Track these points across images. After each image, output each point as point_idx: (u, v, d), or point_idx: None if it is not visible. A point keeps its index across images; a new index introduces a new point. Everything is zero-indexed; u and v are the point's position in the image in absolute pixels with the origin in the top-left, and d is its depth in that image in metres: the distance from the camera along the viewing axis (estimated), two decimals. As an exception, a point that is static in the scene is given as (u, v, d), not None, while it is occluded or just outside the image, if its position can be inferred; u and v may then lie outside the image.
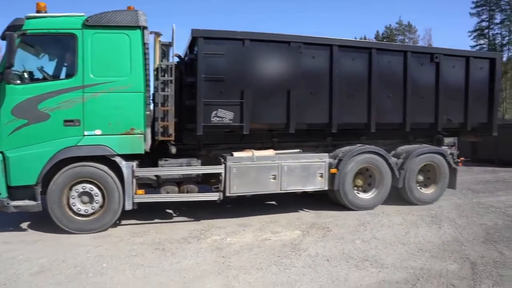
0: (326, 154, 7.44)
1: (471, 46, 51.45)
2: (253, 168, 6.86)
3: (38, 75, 6.26)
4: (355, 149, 7.50)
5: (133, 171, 6.33)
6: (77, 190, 6.15)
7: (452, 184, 8.33)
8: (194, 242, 5.92)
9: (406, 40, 55.86)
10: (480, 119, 8.58)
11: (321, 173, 7.23)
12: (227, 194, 6.77)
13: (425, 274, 4.70)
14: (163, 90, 6.51)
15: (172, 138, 6.59)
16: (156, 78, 6.63)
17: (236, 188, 6.78)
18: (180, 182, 6.76)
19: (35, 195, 6.02)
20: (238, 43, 6.70)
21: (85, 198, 6.21)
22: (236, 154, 6.91)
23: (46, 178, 6.10)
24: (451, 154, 8.45)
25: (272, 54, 6.99)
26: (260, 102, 6.91)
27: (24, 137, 5.93)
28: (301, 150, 7.59)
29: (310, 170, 7.17)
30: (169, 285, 4.47)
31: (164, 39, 6.94)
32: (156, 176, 6.70)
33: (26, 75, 6.08)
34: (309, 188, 7.25)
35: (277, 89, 6.98)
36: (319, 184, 7.24)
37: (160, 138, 6.54)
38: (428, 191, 8.22)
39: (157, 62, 6.71)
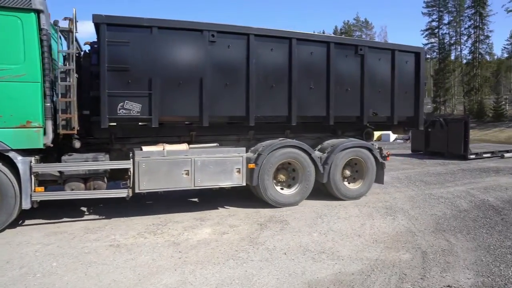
0: (243, 148, 7.29)
1: (423, 44, 55.87)
2: (164, 163, 6.65)
3: None
4: (275, 143, 7.39)
5: (31, 167, 6.00)
6: None
7: (379, 179, 8.38)
8: (150, 237, 5.88)
9: (363, 36, 57.85)
10: (407, 113, 8.67)
11: (238, 168, 7.08)
12: (137, 191, 6.54)
13: (379, 265, 4.83)
14: (64, 80, 6.21)
15: (75, 132, 6.31)
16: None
17: (146, 184, 6.56)
18: (87, 179, 6.46)
19: None
20: (145, 31, 6.44)
21: (-28, 198, 5.84)
22: (145, 148, 6.68)
23: None
24: (379, 148, 8.47)
25: (183, 43, 6.80)
26: (170, 93, 6.69)
27: None
28: (218, 144, 7.42)
29: (226, 165, 7.01)
30: (123, 282, 4.37)
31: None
32: (60, 172, 6.39)
33: None
34: (226, 184, 7.09)
35: (189, 80, 6.78)
36: (236, 179, 7.10)
37: (62, 131, 6.26)
38: (355, 186, 8.21)
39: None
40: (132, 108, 6.46)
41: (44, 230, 6.19)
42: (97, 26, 6.29)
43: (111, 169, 6.73)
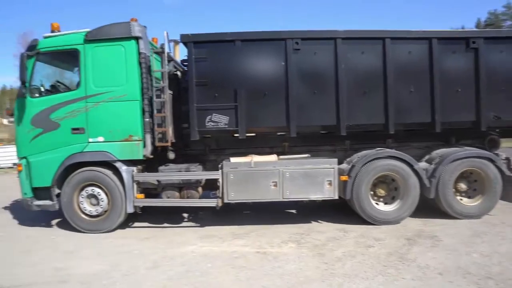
0: (335, 159, 6.91)
1: None
2: (251, 175, 6.74)
3: (51, 88, 7.12)
4: (370, 154, 6.85)
5: (133, 176, 6.79)
6: (86, 192, 6.84)
7: (509, 196, 7.01)
8: (295, 246, 6.04)
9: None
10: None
11: (330, 181, 6.73)
12: (225, 201, 6.78)
13: None
14: (159, 97, 6.82)
15: (169, 144, 6.86)
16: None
17: (234, 195, 6.76)
18: (181, 188, 6.98)
19: (51, 196, 6.85)
20: (229, 45, 6.68)
21: (93, 200, 6.87)
22: (233, 159, 6.89)
23: (62, 180, 6.88)
24: (507, 159, 7.10)
25: (265, 53, 6.84)
26: (256, 104, 6.77)
27: (41, 144, 6.85)
28: (309, 155, 7.19)
29: (316, 177, 6.74)
30: None
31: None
32: (158, 181, 7.01)
33: (42, 88, 6.97)
34: (316, 196, 6.82)
35: (274, 90, 6.77)
36: (327, 192, 6.76)
37: (157, 144, 6.87)
38: (473, 202, 7.05)
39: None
40: (219, 120, 6.75)
41: (197, 232, 6.84)
42: (185, 45, 6.76)
43: (206, 179, 7.11)
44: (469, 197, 7.15)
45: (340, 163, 7.10)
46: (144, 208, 7.07)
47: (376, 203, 7.03)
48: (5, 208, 9.41)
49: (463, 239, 5.94)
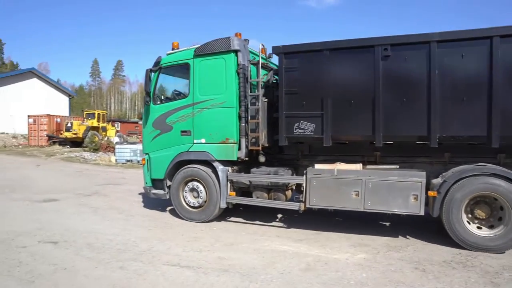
0: (423, 172, 6.47)
1: None
2: (334, 182, 6.87)
3: (169, 96, 8.51)
4: (466, 169, 6.21)
5: (227, 175, 7.64)
6: (189, 186, 8.01)
7: None
8: (460, 268, 5.53)
9: None
10: None
11: (416, 195, 6.35)
12: (307, 206, 7.07)
13: None
14: (253, 104, 7.48)
15: (259, 148, 7.46)
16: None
17: (315, 200, 6.99)
18: (270, 189, 7.56)
19: (164, 187, 8.19)
20: (316, 55, 6.93)
21: (195, 194, 7.97)
22: (318, 166, 7.12)
23: (173, 174, 8.19)
24: None
25: (352, 62, 6.84)
26: (342, 113, 6.85)
27: (159, 143, 8.30)
28: (398, 167, 6.87)
29: (401, 190, 6.45)
30: None
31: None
32: (250, 181, 7.67)
33: (162, 97, 8.38)
34: (399, 210, 6.51)
35: (359, 98, 6.73)
36: (412, 207, 6.39)
37: (250, 147, 7.54)
38: None
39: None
40: (306, 127, 7.08)
41: (350, 240, 6.92)
42: (277, 55, 7.27)
43: (296, 184, 7.51)
44: None
45: (436, 177, 6.62)
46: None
47: (478, 227, 6.26)
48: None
49: None
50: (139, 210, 9.23)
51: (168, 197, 8.26)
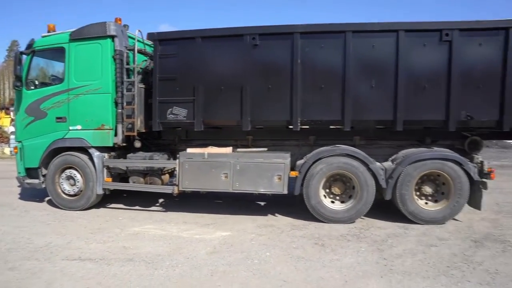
0: (287, 154, 7.02)
1: None
2: (204, 165, 7.16)
3: (43, 82, 8.25)
4: (324, 151, 6.86)
5: (103, 161, 7.60)
6: (66, 174, 7.85)
7: (475, 203, 6.48)
8: (354, 240, 6.11)
9: None
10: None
11: (280, 175, 6.85)
12: (180, 189, 7.28)
13: None
14: (129, 90, 7.51)
15: (135, 134, 7.53)
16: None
17: (188, 183, 7.25)
18: (145, 174, 7.65)
19: (39, 176, 7.94)
20: (190, 42, 7.13)
21: (71, 181, 7.83)
22: (189, 150, 7.37)
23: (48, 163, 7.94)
24: (479, 162, 6.55)
25: (223, 49, 7.12)
26: (212, 99, 7.13)
27: (33, 130, 8.01)
28: (267, 149, 7.33)
29: (267, 171, 6.92)
30: (329, 281, 4.67)
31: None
32: (127, 167, 7.71)
33: (36, 82, 8.10)
34: (265, 190, 7.00)
35: (228, 85, 7.06)
36: (276, 186, 6.89)
37: (126, 133, 7.57)
38: (435, 207, 6.66)
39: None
40: (179, 113, 7.29)
41: (256, 222, 7.15)
42: (153, 42, 7.39)
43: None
44: (435, 201, 6.73)
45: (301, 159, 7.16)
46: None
47: (332, 201, 6.97)
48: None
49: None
50: (37, 205, 8.63)
51: (43, 186, 7.99)
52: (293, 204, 7.75)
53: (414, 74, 6.58)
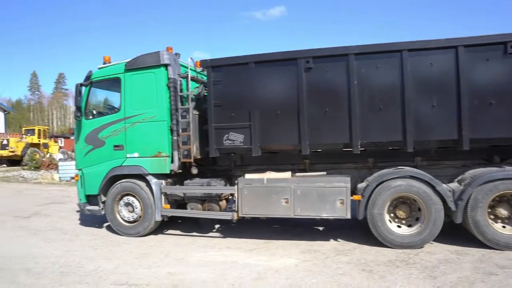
0: (348, 178, 6.91)
1: None
2: (264, 190, 7.18)
3: (101, 111, 8.53)
4: (387, 173, 6.71)
5: (161, 188, 7.73)
6: (124, 201, 8.05)
7: None
8: (403, 266, 5.93)
9: None
10: None
11: (342, 200, 6.76)
12: (240, 215, 7.31)
13: None
14: (184, 117, 7.64)
15: (191, 160, 7.63)
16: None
17: (247, 209, 7.26)
18: (204, 200, 7.70)
19: (98, 203, 8.17)
20: (243, 68, 7.21)
21: (130, 208, 8.02)
22: (248, 175, 7.39)
23: (106, 190, 8.18)
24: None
25: (277, 74, 7.15)
26: (269, 123, 7.14)
27: (92, 158, 8.30)
28: (325, 173, 7.25)
29: (328, 196, 6.84)
30: None
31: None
32: (184, 194, 7.79)
33: (94, 112, 8.36)
34: (327, 215, 6.89)
35: (284, 109, 7.07)
36: (339, 211, 6.79)
37: (183, 160, 7.69)
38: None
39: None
40: (236, 138, 7.35)
41: (299, 247, 7.13)
42: (205, 69, 7.52)
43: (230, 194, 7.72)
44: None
45: (362, 182, 7.04)
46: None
47: (398, 226, 6.78)
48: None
49: None
50: (85, 229, 9.01)
51: (103, 213, 8.23)
52: (335, 228, 7.63)
53: (478, 90, 6.39)
